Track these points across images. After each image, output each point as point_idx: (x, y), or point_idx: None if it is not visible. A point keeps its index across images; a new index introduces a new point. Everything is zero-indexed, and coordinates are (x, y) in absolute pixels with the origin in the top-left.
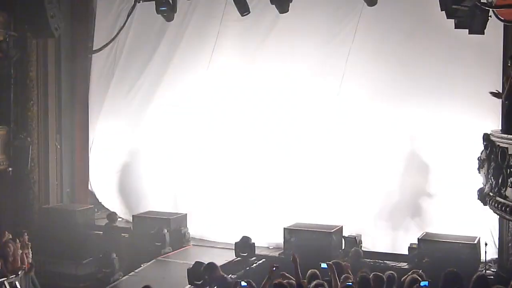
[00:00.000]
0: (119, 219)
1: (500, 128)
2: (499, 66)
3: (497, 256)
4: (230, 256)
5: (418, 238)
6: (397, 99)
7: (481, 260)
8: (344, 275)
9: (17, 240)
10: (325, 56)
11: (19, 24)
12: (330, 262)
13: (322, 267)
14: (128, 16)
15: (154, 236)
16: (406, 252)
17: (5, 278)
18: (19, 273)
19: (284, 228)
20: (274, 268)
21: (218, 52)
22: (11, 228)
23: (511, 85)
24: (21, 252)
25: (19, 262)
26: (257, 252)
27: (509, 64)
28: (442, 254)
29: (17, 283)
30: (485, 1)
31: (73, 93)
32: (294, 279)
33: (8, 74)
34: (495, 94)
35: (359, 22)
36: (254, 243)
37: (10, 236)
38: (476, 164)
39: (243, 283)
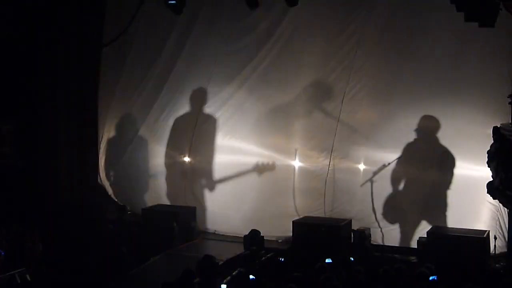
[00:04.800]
0: (128, 212)
1: (510, 121)
2: (509, 59)
3: (506, 250)
4: (239, 249)
5: (427, 232)
6: (406, 92)
7: (490, 254)
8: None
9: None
10: (333, 49)
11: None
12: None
13: (327, 262)
14: (138, 9)
15: (163, 230)
16: (415, 246)
17: (17, 271)
18: (30, 265)
19: (293, 221)
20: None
21: (227, 44)
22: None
23: None
24: (32, 245)
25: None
26: (266, 245)
27: None
28: (451, 248)
29: (27, 276)
30: None
31: (83, 86)
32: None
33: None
34: None
35: (368, 15)
36: (263, 237)
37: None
38: (485, 157)
39: (251, 277)
